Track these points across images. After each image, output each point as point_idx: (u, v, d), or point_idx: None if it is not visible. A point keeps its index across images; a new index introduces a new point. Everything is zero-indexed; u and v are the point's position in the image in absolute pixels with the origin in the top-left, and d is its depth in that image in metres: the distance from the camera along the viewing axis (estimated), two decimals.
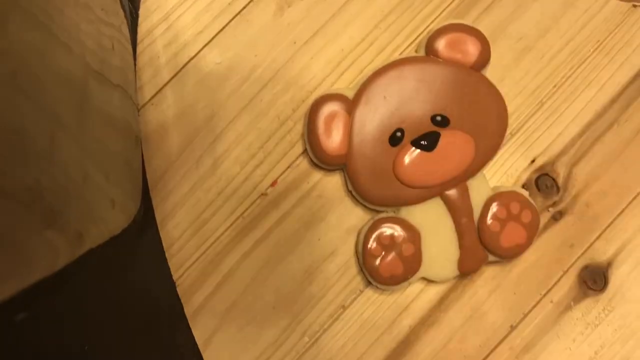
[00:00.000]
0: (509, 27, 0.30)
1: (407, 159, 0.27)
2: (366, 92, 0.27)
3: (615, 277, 0.29)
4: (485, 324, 0.29)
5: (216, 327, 0.28)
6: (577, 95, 0.29)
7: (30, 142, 0.17)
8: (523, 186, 0.29)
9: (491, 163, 0.29)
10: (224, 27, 0.30)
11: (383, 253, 0.27)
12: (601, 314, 0.29)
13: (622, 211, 0.29)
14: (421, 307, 0.29)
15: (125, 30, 0.28)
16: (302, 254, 0.29)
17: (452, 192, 0.27)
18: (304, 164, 0.29)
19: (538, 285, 0.29)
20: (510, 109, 0.28)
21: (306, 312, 0.29)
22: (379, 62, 0.29)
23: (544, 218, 0.29)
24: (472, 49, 0.27)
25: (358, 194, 0.28)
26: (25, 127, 0.16)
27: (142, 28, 0.29)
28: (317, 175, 0.29)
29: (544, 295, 0.29)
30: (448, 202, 0.28)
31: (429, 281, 0.28)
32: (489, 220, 0.27)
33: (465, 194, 0.28)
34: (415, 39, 0.29)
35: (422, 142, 0.27)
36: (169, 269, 0.29)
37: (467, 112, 0.25)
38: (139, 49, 0.29)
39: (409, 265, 0.27)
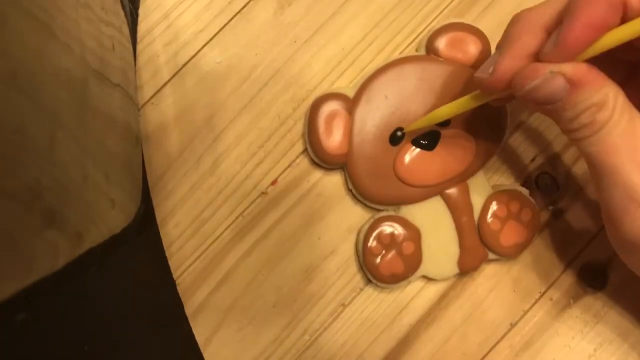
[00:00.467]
0: None
1: (407, 158, 0.27)
2: (367, 91, 0.27)
3: (615, 275, 0.29)
4: (485, 321, 0.29)
5: (217, 326, 0.28)
6: None
7: (30, 142, 0.17)
8: (523, 184, 0.29)
9: (491, 161, 0.29)
10: (224, 26, 0.30)
11: (383, 252, 0.27)
12: (600, 311, 0.29)
13: None
14: (421, 305, 0.29)
15: (125, 29, 0.28)
16: (302, 253, 0.29)
17: (452, 191, 0.27)
18: (304, 163, 0.29)
19: (538, 283, 0.29)
20: (509, 107, 0.28)
21: (306, 311, 0.29)
22: (379, 61, 0.29)
23: (544, 216, 0.29)
24: (472, 48, 0.27)
25: (358, 192, 0.28)
26: (24, 127, 0.16)
27: (142, 27, 0.29)
28: (317, 174, 0.29)
29: (544, 293, 0.29)
30: (448, 201, 0.28)
31: (429, 279, 0.28)
32: (489, 219, 0.27)
33: (465, 192, 0.28)
34: (416, 37, 0.29)
35: (422, 142, 0.27)
36: (169, 268, 0.29)
37: (468, 111, 0.25)
38: (139, 48, 0.29)
39: (409, 263, 0.27)
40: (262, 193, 0.29)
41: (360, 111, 0.27)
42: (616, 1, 0.19)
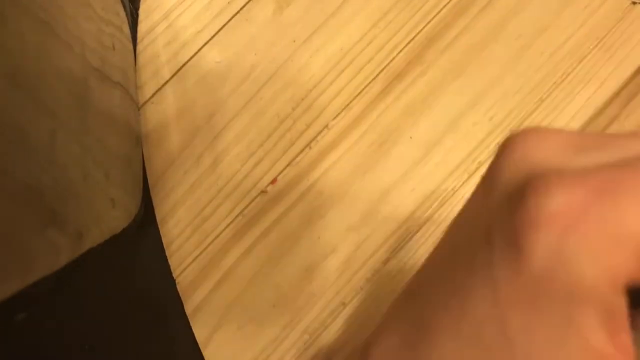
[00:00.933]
0: (509, 24, 0.30)
1: None
2: None
3: None
4: None
5: (216, 324, 0.28)
6: (577, 92, 0.29)
7: (30, 141, 0.17)
8: None
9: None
10: (223, 26, 0.30)
11: None
12: None
13: None
14: None
15: (126, 29, 0.28)
16: (302, 252, 0.29)
17: None
18: (303, 161, 0.29)
19: None
20: (509, 106, 0.28)
21: (306, 310, 0.29)
22: (378, 60, 0.29)
23: None
24: None
25: None
26: (25, 125, 0.16)
27: (142, 27, 0.29)
28: (317, 173, 0.29)
29: None
30: None
31: None
32: None
33: None
34: (414, 37, 0.29)
35: None
36: (169, 267, 0.29)
37: None
38: (140, 47, 0.29)
39: None
40: (262, 192, 0.29)
41: None
42: None
